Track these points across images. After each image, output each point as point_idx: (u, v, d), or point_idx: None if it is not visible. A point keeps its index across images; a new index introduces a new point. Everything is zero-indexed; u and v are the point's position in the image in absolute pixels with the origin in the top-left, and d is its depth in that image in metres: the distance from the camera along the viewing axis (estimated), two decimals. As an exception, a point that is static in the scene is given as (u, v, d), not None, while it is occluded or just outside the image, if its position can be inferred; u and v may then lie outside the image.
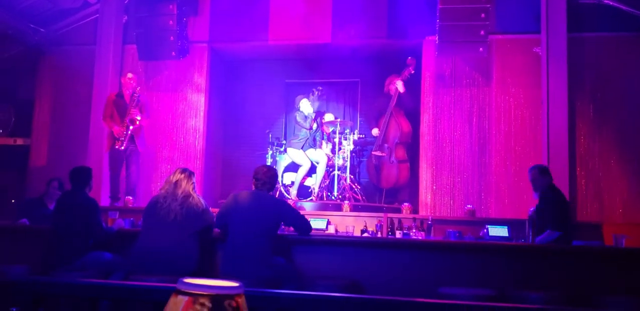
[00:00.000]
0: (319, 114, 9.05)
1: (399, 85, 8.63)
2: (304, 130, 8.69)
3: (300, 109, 8.78)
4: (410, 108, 8.86)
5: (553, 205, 5.67)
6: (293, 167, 8.80)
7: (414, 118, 8.86)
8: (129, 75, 8.25)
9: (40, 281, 2.51)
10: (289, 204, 5.12)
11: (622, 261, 4.80)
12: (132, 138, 8.04)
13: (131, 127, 7.96)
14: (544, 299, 4.07)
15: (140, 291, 2.38)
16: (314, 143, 8.73)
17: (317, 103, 8.97)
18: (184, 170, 4.99)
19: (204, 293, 1.60)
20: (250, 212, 4.75)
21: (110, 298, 3.51)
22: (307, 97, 8.82)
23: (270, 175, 4.95)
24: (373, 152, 8.92)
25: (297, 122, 8.78)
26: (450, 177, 8.32)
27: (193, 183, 4.93)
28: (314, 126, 8.75)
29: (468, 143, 8.33)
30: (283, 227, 5.46)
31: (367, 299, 2.24)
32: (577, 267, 4.74)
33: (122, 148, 7.94)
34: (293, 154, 8.66)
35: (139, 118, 8.01)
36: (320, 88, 9.07)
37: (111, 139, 8.06)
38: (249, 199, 4.90)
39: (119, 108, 8.06)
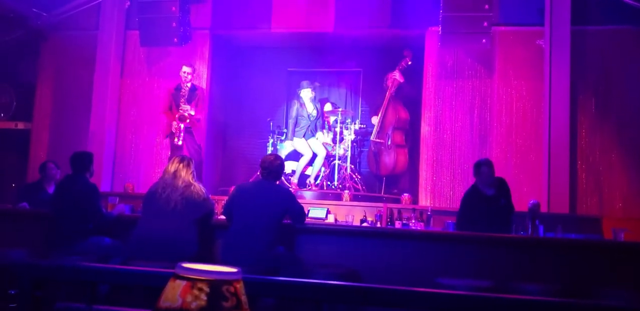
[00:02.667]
0: (321, 102, 9.09)
1: (397, 75, 8.68)
2: (304, 118, 8.69)
3: (301, 95, 8.77)
4: (409, 98, 8.88)
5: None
6: (294, 156, 8.80)
7: (413, 108, 8.87)
8: (185, 68, 8.09)
9: (40, 264, 2.51)
10: (294, 195, 5.12)
11: (621, 254, 4.81)
12: (190, 133, 7.96)
13: (182, 125, 7.84)
14: (543, 291, 4.08)
15: (139, 275, 2.38)
16: (315, 131, 8.73)
17: (316, 94, 8.98)
18: (182, 159, 4.98)
19: (202, 278, 1.61)
20: (255, 201, 4.76)
21: (109, 283, 3.52)
22: (311, 88, 8.80)
23: (276, 165, 4.94)
24: (372, 139, 8.96)
25: (297, 113, 8.77)
26: (451, 168, 8.31)
27: (192, 171, 4.93)
28: (314, 113, 8.73)
29: (469, 135, 8.31)
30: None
31: (365, 287, 2.25)
32: (576, 260, 4.75)
33: (180, 143, 7.84)
34: (295, 142, 8.66)
35: (192, 113, 7.89)
36: (318, 82, 9.10)
37: (168, 132, 8.00)
38: (254, 189, 4.92)
39: (177, 102, 7.98)
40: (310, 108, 8.73)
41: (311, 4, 8.78)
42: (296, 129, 8.68)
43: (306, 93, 8.73)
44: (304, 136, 8.64)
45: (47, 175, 6.64)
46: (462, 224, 5.75)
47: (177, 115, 7.87)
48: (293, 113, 8.77)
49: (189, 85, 8.07)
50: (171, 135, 7.92)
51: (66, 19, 9.41)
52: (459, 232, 5.72)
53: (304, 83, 8.78)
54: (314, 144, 8.62)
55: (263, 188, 4.88)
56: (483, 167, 5.73)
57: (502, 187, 5.77)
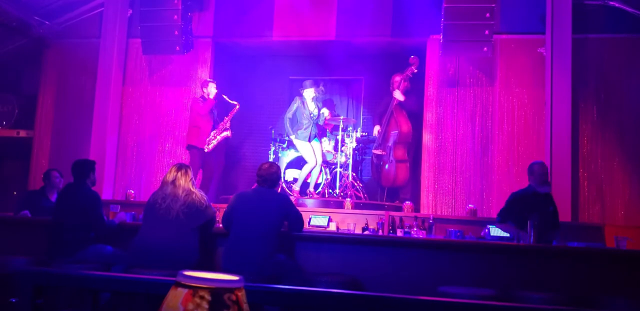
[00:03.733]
0: (324, 103, 9.21)
1: (398, 95, 8.57)
2: (306, 118, 8.64)
3: (303, 95, 8.77)
4: (413, 109, 8.79)
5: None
6: (295, 164, 8.79)
7: (414, 116, 8.81)
8: (213, 84, 8.41)
9: (41, 272, 2.50)
10: (291, 200, 5.12)
11: (623, 263, 4.79)
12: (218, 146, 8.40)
13: (219, 138, 8.33)
14: (545, 299, 4.06)
15: (141, 283, 2.37)
16: (318, 132, 8.77)
17: (320, 96, 9.00)
18: (179, 168, 4.93)
19: (204, 286, 1.60)
20: (253, 209, 4.76)
21: (110, 291, 3.51)
22: (314, 88, 8.76)
23: (271, 172, 4.94)
24: (374, 151, 8.91)
25: (298, 111, 8.75)
26: (452, 176, 8.30)
27: (191, 179, 4.90)
28: (315, 112, 8.72)
29: (470, 143, 8.31)
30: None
31: (366, 296, 2.24)
32: (578, 268, 4.73)
33: (207, 151, 8.25)
34: (300, 146, 8.64)
35: (228, 134, 8.44)
36: (322, 85, 9.07)
37: (197, 138, 8.25)
38: (252, 196, 4.92)
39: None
40: (312, 107, 8.70)
41: (313, 13, 8.81)
42: (299, 131, 8.61)
43: (309, 93, 8.70)
44: (308, 140, 8.58)
45: (50, 183, 6.64)
46: (505, 216, 5.69)
47: (220, 131, 8.35)
48: (292, 107, 8.77)
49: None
50: (201, 141, 8.22)
51: (68, 27, 9.47)
52: (460, 240, 5.71)
53: (307, 82, 8.75)
54: (317, 148, 8.61)
55: (261, 196, 4.88)
56: (535, 166, 5.74)
57: (551, 198, 5.76)
